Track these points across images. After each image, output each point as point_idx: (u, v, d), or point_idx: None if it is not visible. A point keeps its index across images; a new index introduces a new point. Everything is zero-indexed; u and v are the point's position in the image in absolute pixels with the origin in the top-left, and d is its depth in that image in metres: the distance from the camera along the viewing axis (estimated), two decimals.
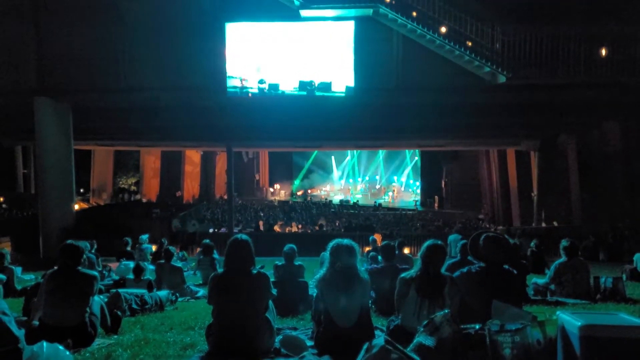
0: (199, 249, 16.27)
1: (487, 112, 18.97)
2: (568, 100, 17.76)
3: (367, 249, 12.54)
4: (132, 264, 9.80)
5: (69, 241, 5.34)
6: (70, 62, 17.69)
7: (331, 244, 4.64)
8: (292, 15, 17.13)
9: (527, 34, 16.17)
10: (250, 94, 17.57)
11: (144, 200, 33.72)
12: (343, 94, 17.29)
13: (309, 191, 43.96)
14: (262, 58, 17.66)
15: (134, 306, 6.97)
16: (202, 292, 9.09)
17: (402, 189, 43.12)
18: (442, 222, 27.09)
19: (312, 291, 5.77)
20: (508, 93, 17.10)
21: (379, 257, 8.13)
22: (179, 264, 10.52)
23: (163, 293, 7.86)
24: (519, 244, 11.53)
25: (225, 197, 36.30)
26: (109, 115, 20.49)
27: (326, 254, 4.72)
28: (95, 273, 5.33)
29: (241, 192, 37.05)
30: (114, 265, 11.95)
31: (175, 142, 28.79)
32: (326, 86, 17.32)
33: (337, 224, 27.59)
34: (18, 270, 10.81)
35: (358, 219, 28.53)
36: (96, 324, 5.15)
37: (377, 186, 43.90)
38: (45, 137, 18.06)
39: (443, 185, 36.04)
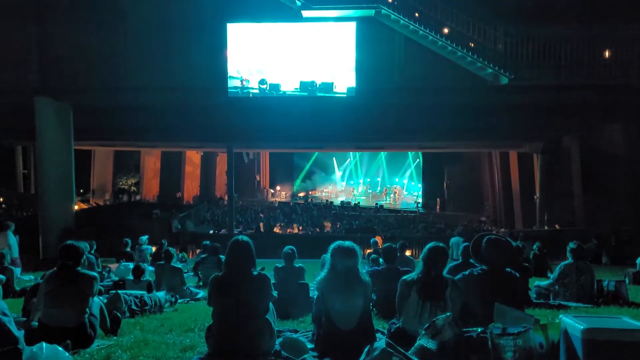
0: (198, 250, 16.27)
1: (489, 113, 18.93)
2: (571, 102, 17.73)
3: (368, 251, 12.50)
4: (131, 265, 9.78)
5: (69, 241, 5.32)
6: (72, 62, 17.70)
7: (332, 245, 4.62)
8: (293, 15, 17.13)
9: (530, 35, 16.15)
10: (251, 95, 17.56)
11: (150, 200, 33.70)
12: (344, 95, 17.28)
13: (310, 193, 43.92)
14: (263, 58, 17.65)
15: (134, 307, 6.95)
16: (202, 293, 9.07)
17: (404, 190, 43.06)
18: (444, 224, 27.05)
19: (313, 293, 5.74)
20: (510, 95, 17.08)
21: (380, 260, 8.09)
22: (179, 265, 10.50)
23: (161, 294, 7.84)
24: (522, 246, 11.47)
25: (227, 197, 36.45)
26: (110, 115, 20.44)
27: (327, 256, 4.69)
28: (95, 274, 5.31)
29: (242, 194, 37.02)
30: (113, 266, 11.92)
31: (175, 143, 28.77)
32: (328, 87, 17.31)
33: (338, 225, 27.57)
34: (17, 270, 10.80)
35: (359, 221, 28.51)
36: (95, 325, 5.13)
37: (379, 188, 43.84)
38: (45, 137, 18.05)
39: (445, 187, 35.97)
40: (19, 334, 4.21)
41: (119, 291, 7.13)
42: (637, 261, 10.52)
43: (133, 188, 38.23)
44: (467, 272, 4.95)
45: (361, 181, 44.83)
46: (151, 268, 10.83)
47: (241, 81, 17.54)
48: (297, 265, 8.07)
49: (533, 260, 11.53)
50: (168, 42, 17.55)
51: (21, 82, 17.88)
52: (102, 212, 26.84)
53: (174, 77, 17.46)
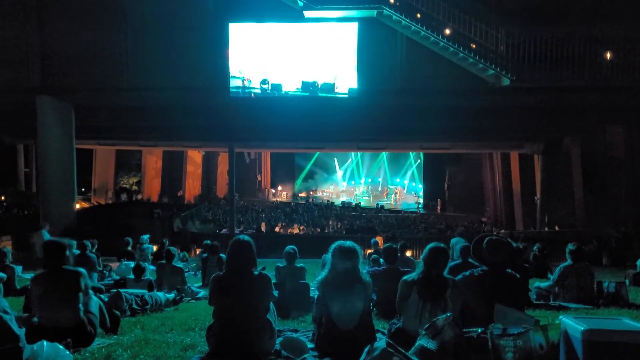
0: (199, 250, 16.27)
1: (490, 114, 18.94)
2: (572, 103, 17.73)
3: (369, 251, 12.50)
4: (132, 264, 9.79)
5: (52, 239, 5.28)
6: (74, 61, 17.71)
7: (333, 246, 4.62)
8: (295, 16, 17.12)
9: (532, 36, 16.14)
10: (253, 94, 17.56)
11: (151, 199, 33.70)
12: (346, 95, 17.28)
13: (311, 193, 43.89)
14: (265, 58, 17.64)
15: (135, 306, 6.96)
16: (202, 293, 9.07)
17: (405, 191, 43.02)
18: (445, 225, 27.03)
19: (314, 293, 5.75)
20: (512, 96, 17.07)
21: (381, 260, 8.10)
22: (180, 265, 10.51)
23: (161, 294, 7.84)
24: (522, 247, 11.47)
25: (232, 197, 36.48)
26: (111, 115, 20.49)
27: (328, 256, 4.69)
28: (81, 269, 5.21)
29: (243, 193, 37.02)
30: (114, 265, 11.93)
31: (177, 142, 28.78)
32: (329, 87, 17.31)
33: (338, 225, 27.57)
34: (19, 269, 10.81)
35: (360, 221, 28.51)
36: (95, 323, 5.12)
37: (380, 188, 43.80)
38: (47, 135, 18.06)
39: (446, 188, 35.94)
40: (20, 332, 4.22)
41: (120, 290, 7.14)
42: (638, 262, 10.52)
43: (134, 187, 38.23)
44: (467, 273, 4.95)
45: (362, 181, 44.75)
46: (152, 267, 10.84)
47: (242, 81, 17.54)
48: (298, 265, 8.08)
49: (533, 262, 11.53)
50: (170, 41, 17.55)
51: (23, 81, 17.88)
52: (104, 211, 26.82)
53: (175, 76, 17.46)
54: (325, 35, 17.56)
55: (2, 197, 28.69)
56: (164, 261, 9.75)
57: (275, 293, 4.62)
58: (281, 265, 8.11)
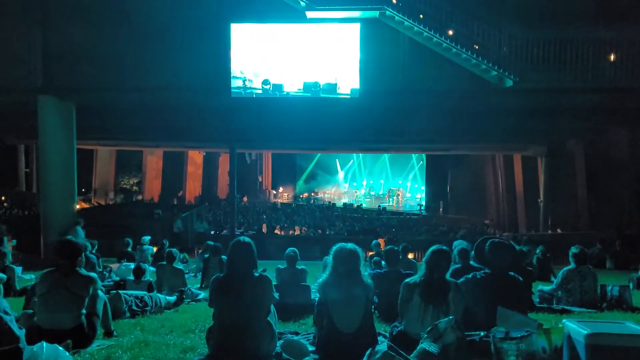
0: (199, 251, 16.25)
1: (493, 116, 18.90)
2: (576, 105, 17.68)
3: (370, 253, 12.48)
4: (132, 265, 9.77)
5: (68, 237, 5.26)
6: (75, 61, 17.69)
7: (334, 248, 4.60)
8: (297, 16, 17.10)
9: (535, 37, 16.11)
10: (254, 95, 17.54)
11: (152, 200, 33.72)
12: (348, 96, 17.25)
13: (312, 194, 43.90)
14: (267, 59, 17.62)
15: (134, 308, 6.94)
16: (203, 294, 9.05)
17: (407, 193, 43.03)
18: (447, 227, 27.02)
19: (315, 295, 5.72)
20: (515, 97, 17.03)
21: (383, 262, 8.07)
22: (180, 266, 10.49)
23: (162, 296, 7.82)
24: (525, 250, 11.43)
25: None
26: (112, 115, 20.48)
27: (329, 258, 4.67)
28: (93, 275, 5.22)
29: (244, 194, 37.05)
30: (114, 266, 11.91)
31: (178, 143, 28.80)
32: (331, 88, 17.28)
33: (340, 227, 27.57)
34: (19, 269, 10.80)
35: (362, 223, 28.50)
36: (96, 324, 5.09)
37: (382, 190, 43.81)
38: (48, 135, 18.05)
39: (448, 190, 35.96)
40: (20, 332, 4.21)
41: (120, 291, 7.12)
42: None
43: (135, 188, 38.28)
44: (470, 276, 4.93)
45: (364, 183, 44.77)
46: (152, 268, 10.82)
47: (244, 81, 17.51)
48: (299, 267, 8.05)
49: (536, 265, 11.49)
50: (171, 41, 17.53)
51: (24, 81, 17.86)
52: (104, 211, 26.84)
53: (177, 76, 17.44)
54: (327, 36, 17.53)
55: (3, 198, 28.74)
56: (164, 262, 9.73)
57: (276, 295, 4.59)
58: (282, 267, 8.09)
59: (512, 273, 4.87)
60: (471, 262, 6.22)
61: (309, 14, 16.99)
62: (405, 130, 21.45)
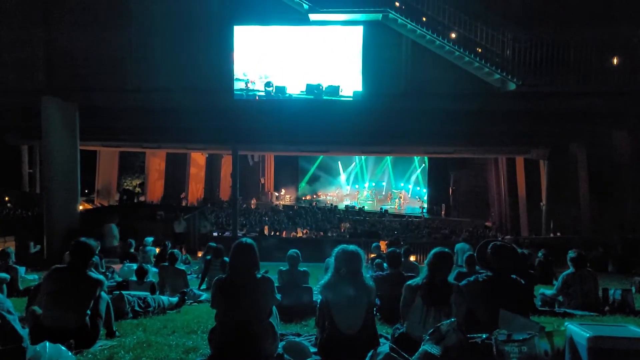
0: (201, 253, 16.26)
1: (496, 119, 18.89)
2: (579, 108, 17.66)
3: (372, 255, 12.48)
4: (135, 266, 9.78)
5: (82, 239, 5.27)
6: (79, 62, 17.73)
7: (336, 250, 4.61)
8: (300, 18, 17.12)
9: (538, 40, 16.09)
10: (257, 97, 17.56)
11: (154, 201, 33.74)
12: (351, 99, 17.26)
13: (315, 196, 43.89)
14: (270, 61, 17.64)
15: (137, 308, 6.96)
16: (205, 295, 9.05)
17: (409, 195, 43.00)
18: (449, 230, 26.99)
19: (317, 297, 5.73)
20: (518, 100, 17.01)
21: (385, 264, 8.07)
22: (182, 267, 10.50)
23: (164, 298, 7.83)
24: (527, 253, 11.42)
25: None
26: (116, 116, 20.50)
27: (331, 260, 4.68)
28: (102, 278, 5.26)
29: (246, 196, 37.06)
30: (117, 267, 11.93)
31: (180, 144, 28.82)
32: (334, 90, 17.28)
33: (342, 229, 27.56)
34: (22, 269, 10.82)
35: (364, 225, 28.49)
36: (99, 324, 5.11)
37: (384, 192, 43.78)
38: (51, 136, 18.07)
39: (450, 193, 35.95)
40: (24, 332, 4.21)
41: (123, 292, 7.13)
42: None
43: (138, 189, 38.31)
44: (472, 278, 4.93)
45: (366, 185, 44.74)
46: (155, 269, 10.83)
47: (246, 83, 17.53)
48: (301, 269, 8.05)
49: (538, 268, 11.48)
50: (174, 43, 17.55)
51: (28, 82, 17.89)
52: (107, 212, 26.85)
53: (180, 78, 17.47)
54: (330, 39, 17.55)
55: (6, 198, 28.79)
56: (166, 263, 9.75)
57: (278, 296, 4.59)
58: (284, 268, 8.09)
59: (514, 276, 4.87)
60: (477, 268, 6.23)
61: (312, 17, 17.01)
62: (408, 133, 21.46)
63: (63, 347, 4.16)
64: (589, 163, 21.47)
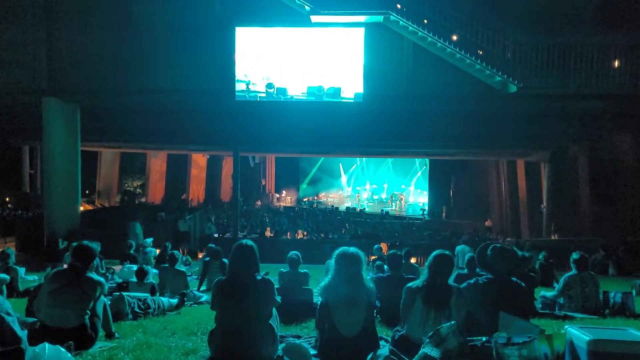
0: (202, 254, 16.27)
1: (497, 121, 18.91)
2: (579, 111, 17.69)
3: (373, 257, 12.46)
4: (135, 267, 9.77)
5: (84, 242, 5.30)
6: (80, 63, 17.77)
7: (337, 251, 4.61)
8: (302, 20, 17.14)
9: (539, 43, 16.12)
10: (258, 99, 17.57)
11: (155, 202, 33.74)
12: (352, 101, 17.27)
13: (316, 198, 43.89)
14: (271, 62, 17.66)
15: (137, 310, 6.94)
16: (205, 297, 9.05)
17: (410, 197, 42.99)
18: (450, 232, 26.96)
19: (317, 299, 5.72)
20: (519, 103, 17.03)
21: (385, 266, 8.07)
22: (183, 268, 10.49)
23: (165, 299, 7.82)
24: (528, 256, 11.40)
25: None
26: (117, 117, 20.53)
27: (331, 262, 4.67)
28: (102, 280, 5.27)
29: (247, 198, 37.06)
30: (117, 268, 11.93)
31: (182, 145, 28.82)
32: (335, 92, 17.30)
33: (342, 231, 27.54)
34: (22, 270, 10.82)
35: (364, 227, 28.46)
36: (98, 325, 5.11)
37: (385, 194, 43.77)
38: (52, 137, 18.11)
39: (451, 195, 35.92)
40: (22, 333, 4.20)
41: (123, 293, 7.13)
42: None
43: (139, 190, 38.32)
44: (472, 281, 4.92)
45: (367, 187, 44.72)
46: (155, 271, 10.82)
47: (247, 85, 17.55)
48: (301, 271, 8.05)
49: (539, 270, 11.45)
50: (176, 44, 17.58)
51: (29, 83, 17.93)
52: (107, 213, 26.86)
53: (181, 80, 17.50)
54: (331, 40, 17.56)
55: (7, 199, 28.79)
56: (166, 265, 9.74)
57: (278, 298, 4.58)
58: (285, 270, 8.09)
59: (514, 279, 4.87)
60: (477, 270, 6.22)
61: (314, 19, 17.03)
62: (409, 135, 21.45)
63: (62, 349, 4.15)
64: (589, 165, 21.44)
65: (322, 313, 4.58)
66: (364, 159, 43.35)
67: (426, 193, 41.10)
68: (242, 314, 4.31)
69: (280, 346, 4.61)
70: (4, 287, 8.38)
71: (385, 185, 44.22)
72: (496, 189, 30.62)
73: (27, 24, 17.89)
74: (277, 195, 42.64)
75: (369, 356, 4.16)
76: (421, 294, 4.54)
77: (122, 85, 17.81)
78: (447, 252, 4.77)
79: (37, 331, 4.77)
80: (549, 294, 8.13)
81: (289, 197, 42.60)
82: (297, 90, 17.46)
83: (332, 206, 38.33)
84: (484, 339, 3.73)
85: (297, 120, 18.66)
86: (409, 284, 4.75)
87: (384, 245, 15.40)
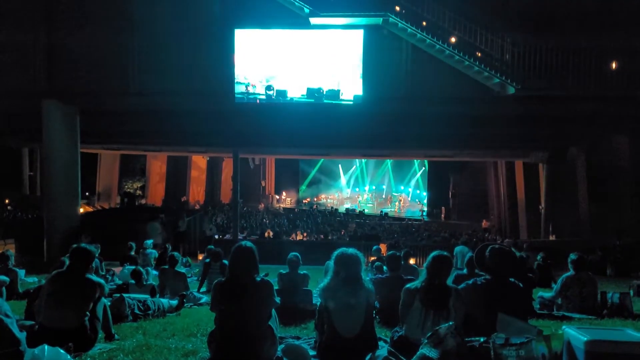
0: (201, 256, 16.27)
1: (495, 123, 18.91)
2: (578, 112, 17.70)
3: (372, 258, 12.47)
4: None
5: (82, 244, 5.33)
6: (80, 65, 17.76)
7: (336, 253, 4.62)
8: (301, 22, 17.15)
9: (537, 45, 16.13)
10: (258, 100, 17.58)
11: (155, 204, 33.73)
12: (351, 102, 17.28)
13: (315, 199, 43.88)
14: (270, 64, 17.67)
15: (137, 311, 6.95)
16: (205, 298, 9.05)
17: (409, 198, 42.98)
18: (449, 233, 26.99)
19: (316, 300, 5.73)
20: (517, 104, 17.04)
21: (384, 267, 8.08)
22: (183, 270, 10.50)
23: (165, 301, 7.83)
24: (526, 257, 11.41)
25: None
26: (117, 119, 20.52)
27: (331, 263, 4.69)
28: (102, 281, 5.30)
29: (247, 199, 37.05)
30: (117, 269, 11.93)
31: (182, 147, 28.84)
32: (334, 94, 17.31)
33: (342, 232, 27.55)
34: (22, 272, 10.81)
35: (364, 228, 28.47)
36: (97, 327, 5.13)
37: (384, 195, 43.77)
38: (52, 139, 18.10)
39: (450, 196, 35.94)
40: (21, 335, 4.21)
41: (124, 294, 7.14)
42: None
43: (139, 192, 38.31)
44: (470, 282, 4.94)
45: (366, 188, 44.72)
46: (155, 272, 10.83)
47: (247, 87, 17.56)
48: (301, 272, 8.06)
49: (537, 271, 11.47)
50: (175, 47, 17.58)
51: (29, 85, 17.93)
52: (107, 215, 26.84)
53: (181, 81, 17.49)
54: (330, 42, 17.58)
55: (7, 201, 28.79)
56: (166, 266, 9.74)
57: (278, 300, 4.60)
58: (284, 271, 8.10)
59: (512, 279, 4.89)
60: (476, 271, 6.24)
61: (313, 21, 17.04)
62: (408, 136, 21.46)
63: (62, 350, 4.15)
64: (588, 167, 21.47)
65: (321, 314, 4.59)
66: (363, 160, 43.33)
67: (425, 194, 41.10)
68: (241, 315, 4.32)
69: (280, 347, 4.62)
70: (4, 289, 8.38)
71: (385, 187, 44.20)
72: (495, 190, 30.66)
73: (26, 26, 17.89)
74: (277, 197, 42.62)
75: (368, 357, 4.17)
76: (420, 294, 4.55)
77: (122, 87, 17.80)
78: (445, 253, 4.79)
79: (36, 333, 4.78)
80: (547, 294, 8.14)
81: (288, 199, 42.58)
82: (296, 92, 17.47)
83: (332, 207, 38.33)
84: (482, 339, 3.74)
85: (297, 122, 18.67)
86: (408, 285, 4.76)
87: (383, 246, 15.40)
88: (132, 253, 13.51)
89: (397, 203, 41.15)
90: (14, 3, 18.08)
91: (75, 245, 5.32)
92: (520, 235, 26.25)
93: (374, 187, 44.54)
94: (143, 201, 35.56)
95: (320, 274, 9.05)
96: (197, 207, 34.58)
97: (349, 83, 17.33)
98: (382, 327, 6.08)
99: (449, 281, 4.82)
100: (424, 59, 16.91)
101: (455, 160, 30.14)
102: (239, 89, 17.55)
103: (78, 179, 18.94)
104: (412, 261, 12.34)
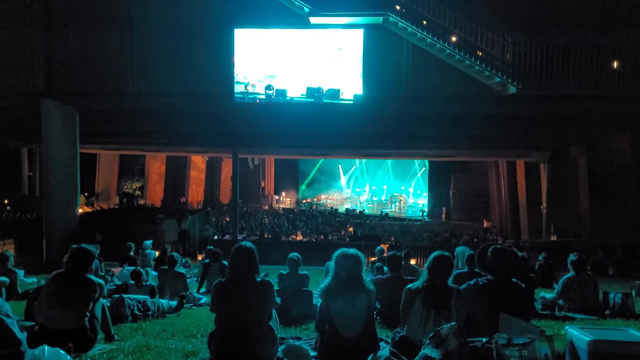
0: (201, 256, 16.25)
1: (496, 122, 18.91)
2: (579, 112, 17.69)
3: (373, 259, 12.45)
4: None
5: (83, 245, 5.31)
6: (79, 65, 17.75)
7: (336, 253, 4.59)
8: (301, 22, 17.13)
9: (538, 44, 16.12)
10: (257, 100, 17.56)
11: (154, 204, 33.75)
12: (351, 102, 17.26)
13: (315, 199, 43.87)
14: (270, 64, 17.65)
15: (136, 312, 6.93)
16: (204, 299, 9.03)
17: (410, 199, 42.97)
18: (450, 233, 26.99)
19: (317, 300, 5.71)
20: (518, 104, 17.03)
21: (385, 268, 8.05)
22: (182, 270, 10.47)
23: (164, 301, 7.81)
24: (527, 257, 11.39)
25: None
26: (116, 119, 20.53)
27: (331, 264, 4.67)
28: (101, 281, 5.29)
29: (246, 199, 37.06)
30: (116, 270, 11.91)
31: (181, 147, 28.85)
32: (334, 93, 17.29)
33: (342, 233, 27.55)
34: (21, 273, 10.79)
35: (364, 229, 28.47)
36: (97, 327, 5.11)
37: (384, 196, 43.75)
38: (51, 139, 18.09)
39: (451, 196, 35.94)
40: (22, 336, 4.19)
41: (123, 295, 7.12)
42: None
43: (138, 192, 38.32)
44: (472, 282, 4.91)
45: (367, 189, 44.70)
46: (154, 273, 10.81)
47: (246, 86, 17.53)
48: (301, 273, 8.03)
49: (539, 271, 11.44)
50: (175, 46, 17.57)
51: (28, 85, 17.90)
52: (106, 215, 26.84)
53: (180, 81, 17.48)
54: (330, 42, 17.56)
55: (6, 201, 28.77)
56: (166, 267, 9.72)
57: (278, 300, 4.57)
58: (284, 272, 8.07)
59: (514, 280, 4.86)
60: (476, 269, 6.22)
61: (313, 20, 17.02)
62: (408, 136, 21.47)
63: (62, 351, 4.14)
64: (589, 166, 21.47)
65: (321, 315, 4.57)
66: (363, 160, 43.33)
67: (425, 194, 41.09)
68: (241, 315, 4.29)
69: (280, 348, 4.60)
70: (3, 290, 8.36)
71: (385, 187, 44.18)
72: (496, 190, 30.65)
73: (25, 27, 17.87)
74: (277, 197, 42.61)
75: (369, 358, 4.14)
76: (421, 295, 4.53)
77: (121, 87, 17.78)
78: (446, 254, 4.75)
79: (36, 333, 4.76)
80: (549, 295, 8.11)
81: (288, 199, 42.56)
82: (296, 91, 17.45)
83: (332, 208, 38.31)
84: (484, 340, 3.72)
85: (296, 121, 18.67)
86: (409, 285, 4.74)
87: (384, 247, 15.38)
88: (132, 253, 13.49)
89: (397, 203, 41.12)
90: (12, 3, 18.05)
91: (74, 246, 5.30)
92: (522, 235, 26.25)
93: (374, 187, 44.51)
94: (142, 201, 35.57)
95: (319, 275, 9.04)
96: (195, 206, 34.63)
97: (349, 82, 17.32)
98: (383, 327, 6.05)
99: (450, 281, 4.79)
100: (425, 58, 16.89)
101: (456, 160, 30.16)
102: (238, 88, 17.53)
103: (77, 179, 18.92)
104: (412, 261, 12.32)
